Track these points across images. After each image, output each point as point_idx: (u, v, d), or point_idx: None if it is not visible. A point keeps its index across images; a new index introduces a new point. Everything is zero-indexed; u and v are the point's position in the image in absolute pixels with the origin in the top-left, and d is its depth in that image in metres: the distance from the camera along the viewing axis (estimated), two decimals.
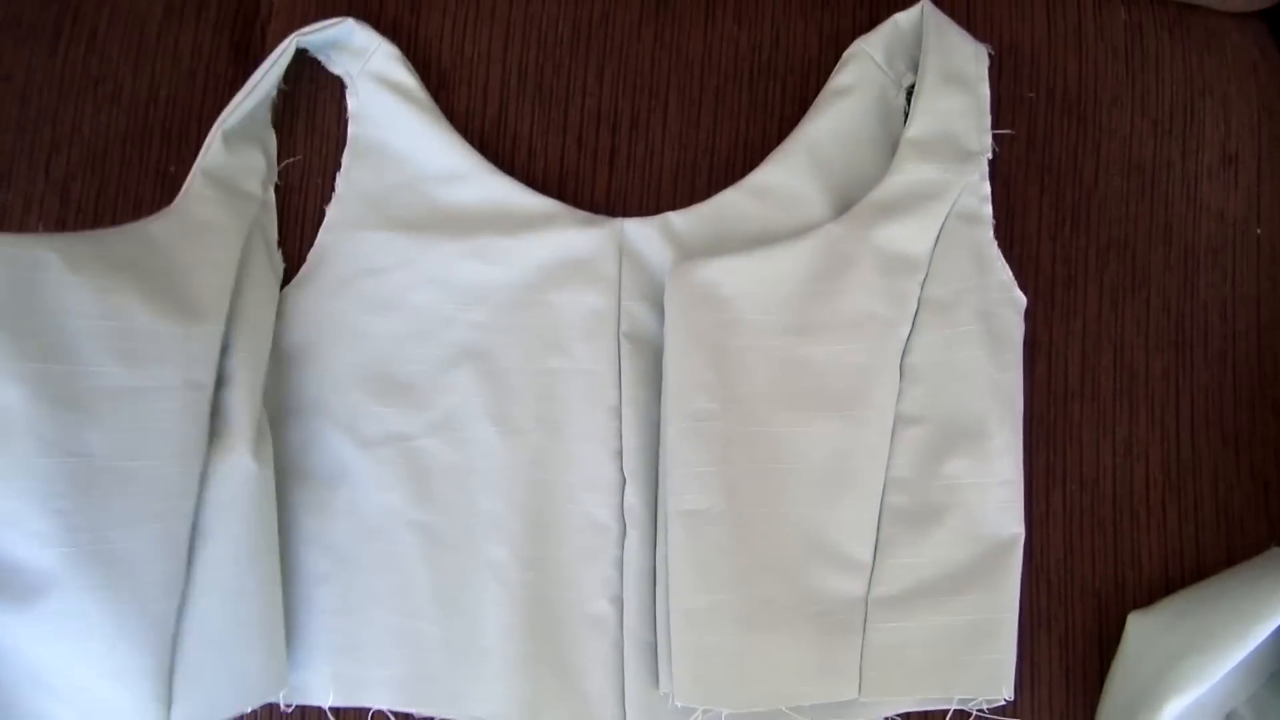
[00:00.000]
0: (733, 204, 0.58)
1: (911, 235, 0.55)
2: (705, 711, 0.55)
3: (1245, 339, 0.61)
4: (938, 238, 0.56)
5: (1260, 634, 0.53)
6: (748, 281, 0.55)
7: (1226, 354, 0.60)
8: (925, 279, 0.56)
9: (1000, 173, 0.60)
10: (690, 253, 0.57)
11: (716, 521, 0.54)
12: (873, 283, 0.55)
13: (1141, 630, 0.56)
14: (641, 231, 0.58)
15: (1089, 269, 0.60)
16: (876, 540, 0.55)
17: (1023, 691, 0.57)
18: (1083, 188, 0.61)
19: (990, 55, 0.59)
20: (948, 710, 0.55)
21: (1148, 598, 0.58)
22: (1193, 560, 0.59)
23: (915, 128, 0.57)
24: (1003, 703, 0.55)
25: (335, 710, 0.56)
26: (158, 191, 0.60)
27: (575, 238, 0.57)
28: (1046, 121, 0.61)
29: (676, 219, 0.58)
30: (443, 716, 0.55)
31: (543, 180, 0.60)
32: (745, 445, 0.55)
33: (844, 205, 0.57)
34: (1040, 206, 0.60)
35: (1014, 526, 0.55)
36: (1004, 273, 0.56)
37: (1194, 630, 0.54)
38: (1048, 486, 0.58)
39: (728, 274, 0.55)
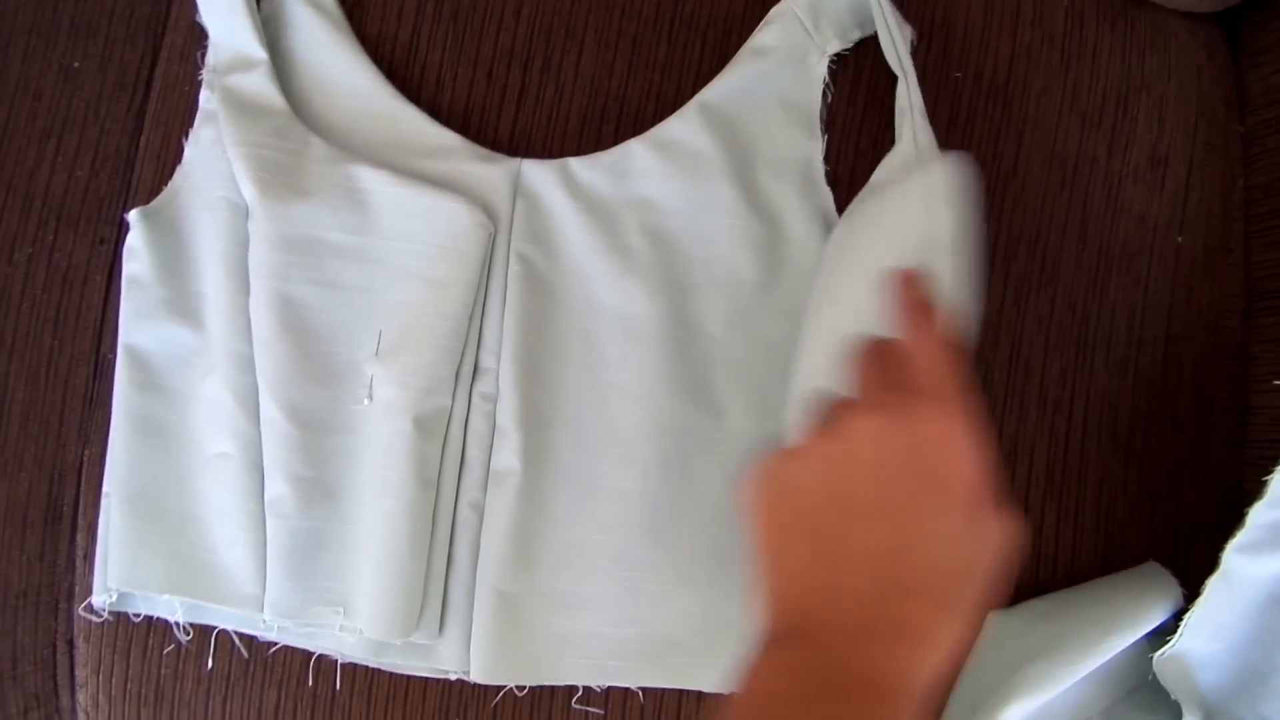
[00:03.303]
0: (635, 155, 0.56)
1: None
2: None
3: (1151, 348, 0.59)
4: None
5: (1115, 646, 0.52)
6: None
7: (1129, 361, 0.59)
8: None
9: None
10: (586, 200, 0.56)
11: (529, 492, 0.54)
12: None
13: (997, 630, 0.55)
14: (539, 173, 0.56)
15: (996, 259, 0.58)
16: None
17: None
18: (1000, 175, 0.59)
19: (913, 42, 0.57)
20: None
21: (1013, 599, 0.57)
22: (1067, 566, 0.57)
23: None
24: None
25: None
26: (59, 86, 0.59)
27: (471, 173, 0.56)
28: (971, 104, 0.59)
29: (577, 165, 0.56)
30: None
31: (447, 114, 0.58)
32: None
33: (745, 168, 0.56)
34: None
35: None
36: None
37: (1049, 634, 0.53)
38: None
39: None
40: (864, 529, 0.31)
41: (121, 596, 0.55)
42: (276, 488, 0.54)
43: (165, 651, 0.56)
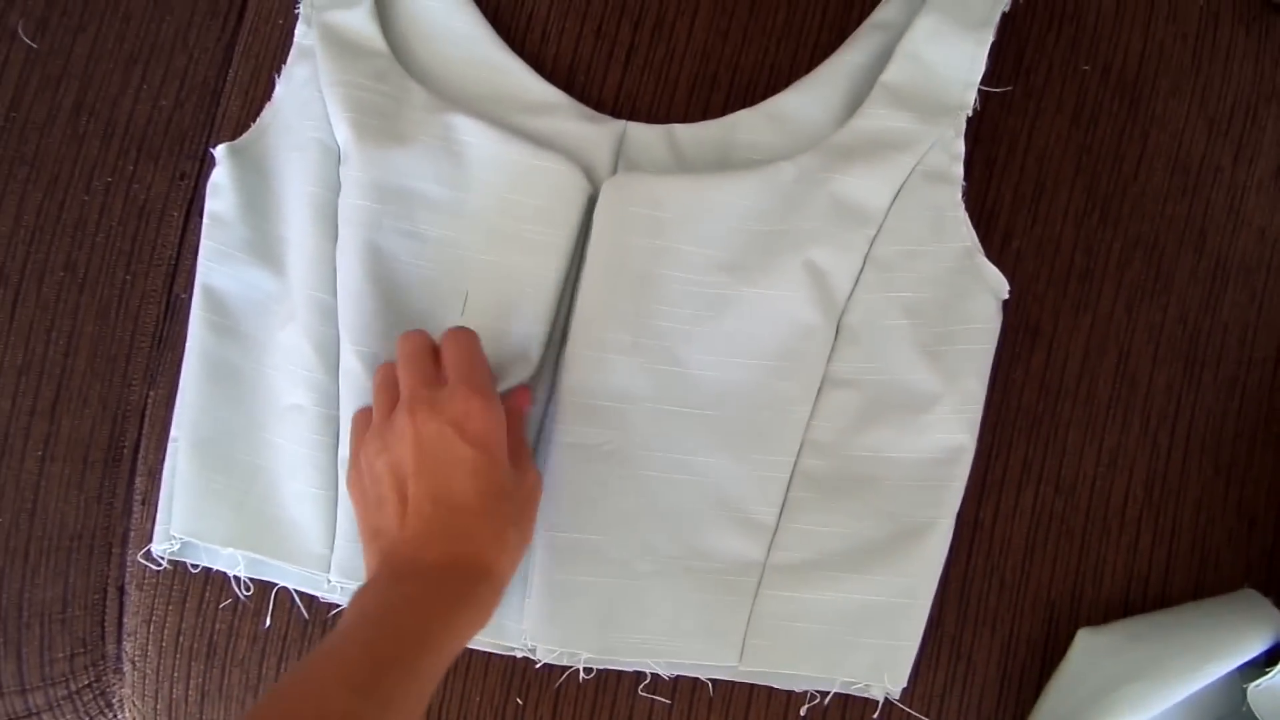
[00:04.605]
0: (745, 126, 0.54)
1: (869, 186, 0.51)
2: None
3: (1261, 368, 0.57)
4: (898, 193, 0.52)
5: (1213, 673, 0.50)
6: (688, 208, 0.51)
7: (1238, 380, 0.56)
8: (876, 235, 0.51)
9: (1035, 145, 0.56)
10: (691, 169, 0.53)
11: (606, 459, 0.51)
12: (820, 231, 0.51)
13: (1089, 648, 0.53)
14: (644, 137, 0.54)
15: (1109, 264, 0.56)
16: (783, 504, 0.52)
17: (953, 688, 0.54)
18: (1120, 177, 0.56)
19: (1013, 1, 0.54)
20: (872, 701, 0.53)
21: (1103, 616, 0.55)
22: (1159, 587, 0.55)
23: (893, 70, 0.52)
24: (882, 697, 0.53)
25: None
26: (149, 10, 0.57)
27: (572, 132, 0.54)
28: (1096, 100, 0.56)
29: (682, 131, 0.54)
30: None
31: (551, 68, 0.56)
32: (654, 384, 0.51)
33: None
34: (1072, 189, 0.56)
35: (932, 509, 0.52)
36: (968, 239, 0.52)
37: (1144, 657, 0.51)
38: (1020, 483, 0.55)
39: (669, 197, 0.51)
40: (415, 484, 0.43)
41: (183, 546, 0.53)
42: None
43: (221, 606, 0.54)
